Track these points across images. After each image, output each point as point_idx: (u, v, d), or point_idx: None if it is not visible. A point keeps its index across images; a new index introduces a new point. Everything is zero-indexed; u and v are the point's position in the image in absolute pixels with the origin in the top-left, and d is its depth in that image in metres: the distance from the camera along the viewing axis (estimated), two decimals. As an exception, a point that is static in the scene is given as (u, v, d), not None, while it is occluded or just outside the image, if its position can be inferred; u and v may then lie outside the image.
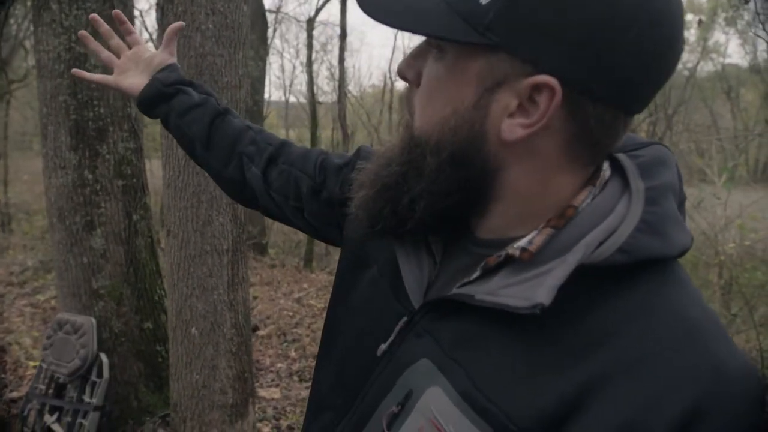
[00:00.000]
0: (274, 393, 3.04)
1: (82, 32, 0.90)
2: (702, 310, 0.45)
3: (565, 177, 0.48)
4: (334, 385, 0.61)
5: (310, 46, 7.15)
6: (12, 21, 9.51)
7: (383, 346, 0.54)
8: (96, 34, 0.86)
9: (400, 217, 0.51)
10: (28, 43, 8.70)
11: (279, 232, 7.49)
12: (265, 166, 0.80)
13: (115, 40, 0.88)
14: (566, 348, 0.44)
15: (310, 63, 7.21)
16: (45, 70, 2.23)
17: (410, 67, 0.51)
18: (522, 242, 0.47)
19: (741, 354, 0.43)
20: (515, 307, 0.44)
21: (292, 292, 5.04)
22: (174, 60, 0.88)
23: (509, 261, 0.47)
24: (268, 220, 7.15)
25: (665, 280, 0.45)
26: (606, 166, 0.50)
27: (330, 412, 0.60)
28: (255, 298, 4.71)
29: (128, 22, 0.88)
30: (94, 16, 0.87)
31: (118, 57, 0.88)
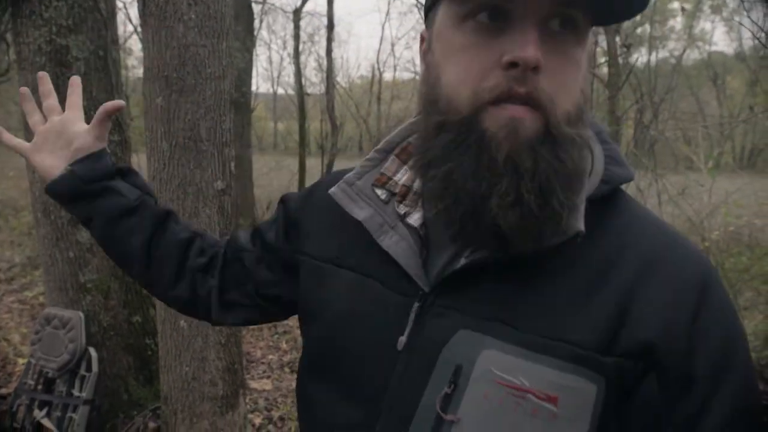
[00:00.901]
0: (266, 384, 3.06)
1: (23, 90, 0.78)
2: (657, 216, 0.57)
3: None
4: (347, 401, 0.58)
5: (297, 37, 7.11)
6: (-7, 14, 9.34)
7: (402, 339, 0.53)
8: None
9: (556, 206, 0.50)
10: (9, 37, 8.56)
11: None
12: (221, 276, 0.74)
13: (49, 101, 0.74)
14: (591, 271, 0.51)
15: (297, 54, 7.17)
16: (26, 62, 2.20)
17: (542, 55, 0.47)
18: None
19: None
20: (554, 245, 0.49)
21: (282, 285, 5.03)
22: (102, 146, 0.72)
23: None
24: (258, 213, 7.14)
25: (628, 200, 0.57)
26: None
27: (355, 430, 0.56)
28: (245, 290, 4.70)
29: (48, 84, 0.75)
30: (42, 74, 0.76)
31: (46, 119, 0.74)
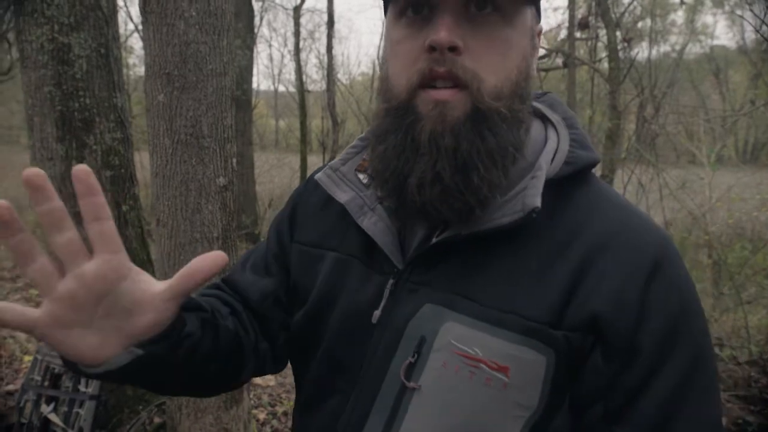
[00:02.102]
0: (269, 380, 3.07)
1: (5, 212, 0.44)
2: (624, 198, 0.59)
3: None
4: (330, 372, 0.61)
5: (297, 34, 7.11)
6: (-6, 14, 9.35)
7: (377, 313, 0.57)
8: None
9: (480, 181, 0.53)
10: (11, 36, 8.58)
11: (271, 222, 7.48)
12: (265, 335, 0.69)
13: (69, 236, 0.45)
14: (548, 248, 0.53)
15: (297, 51, 7.17)
16: (29, 61, 2.21)
17: (457, 36, 0.50)
18: None
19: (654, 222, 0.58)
20: (512, 222, 0.52)
21: (285, 281, 5.04)
22: (178, 312, 0.50)
23: None
24: (261, 210, 7.15)
25: (594, 182, 0.59)
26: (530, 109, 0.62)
27: (334, 398, 0.60)
28: (248, 287, 4.71)
29: (98, 195, 0.45)
30: (82, 169, 0.45)
31: (63, 268, 0.45)
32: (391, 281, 0.57)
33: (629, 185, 4.68)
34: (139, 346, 0.47)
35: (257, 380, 3.03)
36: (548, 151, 0.57)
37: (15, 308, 0.44)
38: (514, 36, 0.53)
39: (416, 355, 0.53)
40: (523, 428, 0.53)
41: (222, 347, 0.60)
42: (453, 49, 0.50)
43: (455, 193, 0.51)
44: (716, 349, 3.03)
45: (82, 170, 0.44)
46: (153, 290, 0.47)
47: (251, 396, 2.46)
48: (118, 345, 0.47)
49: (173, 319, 0.49)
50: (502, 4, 0.52)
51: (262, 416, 2.67)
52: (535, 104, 0.62)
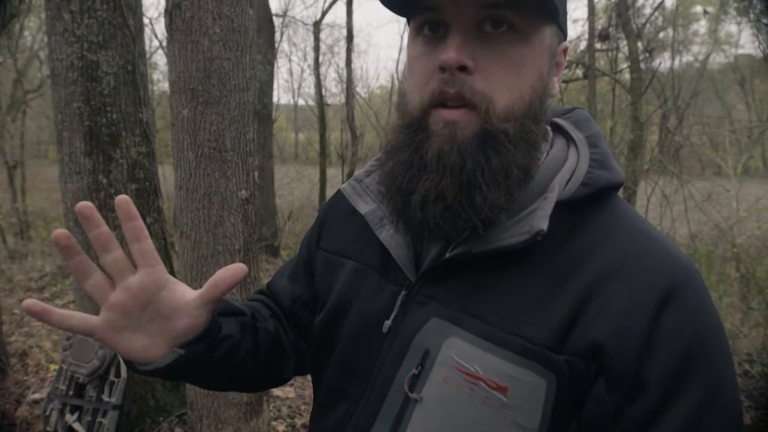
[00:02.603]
0: (289, 392, 3.08)
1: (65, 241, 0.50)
2: (648, 224, 0.56)
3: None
4: (343, 377, 0.63)
5: (317, 49, 7.20)
6: (27, 33, 9.70)
7: (387, 323, 0.58)
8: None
9: (478, 198, 0.52)
10: (42, 54, 8.87)
11: (291, 235, 7.54)
12: (295, 338, 0.74)
13: (115, 255, 0.52)
14: (559, 271, 0.52)
15: (317, 65, 7.26)
16: (59, 78, 2.28)
17: (466, 56, 0.51)
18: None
19: (680, 250, 0.54)
20: (518, 243, 0.51)
21: (304, 293, 5.06)
22: (211, 317, 0.57)
23: None
24: (280, 222, 7.21)
25: (617, 205, 0.57)
26: (548, 128, 0.60)
27: (344, 402, 0.62)
28: (268, 299, 4.74)
29: (137, 219, 0.52)
30: (123, 200, 0.51)
31: (113, 281, 0.53)
32: (403, 293, 0.59)
33: (653, 197, 4.61)
34: (181, 347, 0.55)
35: (277, 392, 3.03)
36: (565, 172, 0.56)
37: (79, 316, 0.53)
38: (529, 55, 0.53)
39: (420, 367, 0.55)
40: None
41: (263, 347, 0.67)
42: (463, 68, 0.50)
43: (458, 210, 0.51)
44: (746, 365, 2.94)
45: (123, 200, 0.51)
46: (186, 298, 0.54)
47: (271, 408, 2.46)
48: (164, 346, 0.55)
49: (208, 323, 0.57)
50: (517, 23, 0.51)
51: (281, 428, 2.67)
52: (560, 121, 0.61)
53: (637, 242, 0.52)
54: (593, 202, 0.55)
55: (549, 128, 0.60)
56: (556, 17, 0.54)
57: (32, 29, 9.57)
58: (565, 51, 0.58)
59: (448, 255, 0.56)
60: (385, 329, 0.58)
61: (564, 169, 0.56)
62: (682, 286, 0.50)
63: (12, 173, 7.73)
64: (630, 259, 0.51)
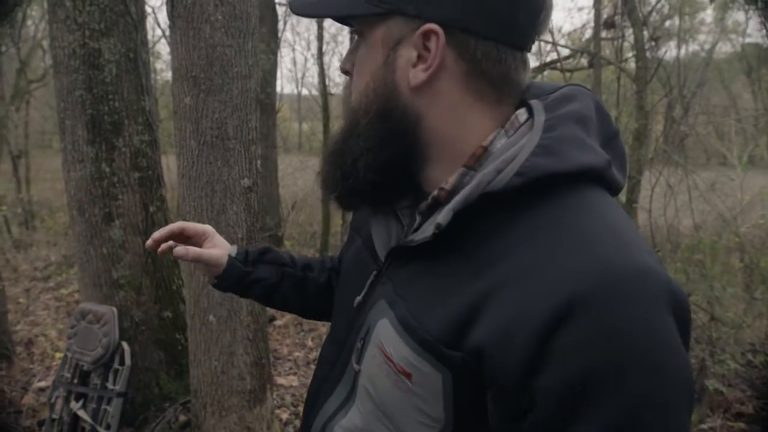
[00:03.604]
0: (292, 381, 3.09)
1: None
2: (603, 224, 0.47)
3: (477, 117, 0.55)
4: (330, 343, 0.71)
5: (320, 38, 7.15)
6: (30, 22, 9.67)
7: (358, 299, 0.64)
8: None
9: (349, 178, 0.58)
10: (45, 44, 8.85)
11: (295, 225, 7.55)
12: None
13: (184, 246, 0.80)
14: (472, 267, 0.51)
15: (321, 55, 7.21)
16: (61, 66, 2.28)
17: (348, 61, 0.61)
18: (442, 183, 0.54)
19: (642, 259, 0.45)
20: (428, 236, 0.52)
21: (308, 283, 5.08)
22: (228, 252, 0.82)
23: (437, 204, 0.55)
24: (284, 212, 7.22)
25: (564, 200, 0.49)
26: (522, 111, 0.56)
27: (326, 366, 0.69)
28: (272, 288, 4.76)
29: (175, 234, 0.80)
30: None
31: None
32: (374, 272, 0.63)
33: (657, 187, 4.58)
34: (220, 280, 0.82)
35: (281, 381, 3.05)
36: (499, 161, 0.50)
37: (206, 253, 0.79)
38: (365, 54, 0.57)
39: (362, 342, 0.60)
40: None
41: (309, 292, 0.87)
42: (347, 72, 0.61)
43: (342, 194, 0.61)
44: (749, 356, 2.94)
45: (153, 244, 0.80)
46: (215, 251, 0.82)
47: (274, 396, 2.48)
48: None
49: (224, 268, 0.80)
50: (360, 29, 0.58)
51: (284, 416, 2.69)
52: (534, 103, 0.55)
53: (557, 244, 0.46)
54: (536, 194, 0.49)
55: (522, 112, 0.55)
56: (390, 11, 0.54)
57: (35, 18, 9.54)
58: (425, 34, 0.52)
59: (393, 244, 0.61)
60: (355, 304, 0.64)
61: (501, 158, 0.51)
62: (594, 300, 0.42)
63: (16, 163, 7.74)
64: (538, 264, 0.46)
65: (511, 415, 0.47)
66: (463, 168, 0.54)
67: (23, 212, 7.41)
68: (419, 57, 0.53)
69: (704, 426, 2.49)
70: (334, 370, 0.67)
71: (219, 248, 0.81)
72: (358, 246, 0.71)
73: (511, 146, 0.52)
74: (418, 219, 0.57)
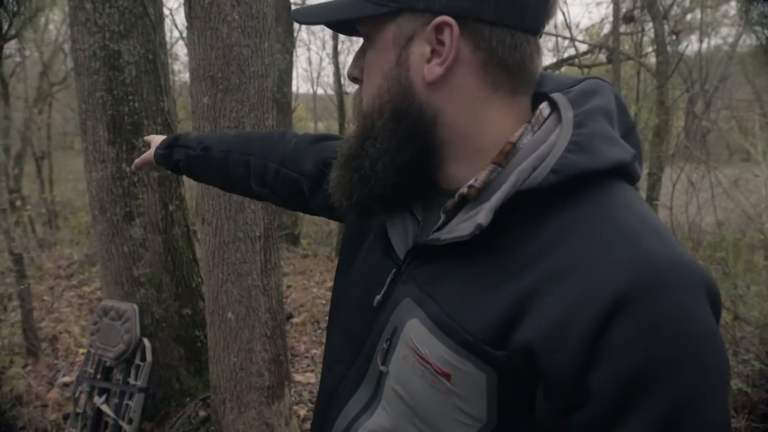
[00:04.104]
0: (310, 378, 3.11)
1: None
2: (638, 218, 0.48)
3: (494, 109, 0.54)
4: (343, 342, 0.68)
5: (336, 37, 7.18)
6: (51, 26, 9.86)
7: (378, 297, 0.61)
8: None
9: (369, 182, 0.56)
10: (67, 47, 9.02)
11: (311, 223, 7.59)
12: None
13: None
14: (511, 266, 0.50)
15: (336, 54, 7.24)
16: (82, 68, 2.32)
17: (355, 68, 0.60)
18: (471, 181, 0.53)
19: (680, 251, 0.46)
20: (466, 235, 0.51)
21: (324, 281, 5.11)
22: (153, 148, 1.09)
23: (464, 202, 0.53)
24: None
25: (599, 195, 0.49)
26: (545, 105, 0.55)
27: (340, 366, 0.67)
28: (289, 287, 4.80)
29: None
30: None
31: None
32: (393, 270, 0.61)
33: (678, 184, 4.50)
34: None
35: (298, 377, 3.07)
36: (534, 158, 0.50)
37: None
38: (374, 57, 0.57)
39: (389, 343, 0.58)
40: None
41: (218, 174, 1.00)
42: (355, 80, 0.60)
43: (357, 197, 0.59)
44: (774, 355, 2.87)
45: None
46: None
47: (292, 393, 2.50)
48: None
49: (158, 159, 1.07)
50: (367, 32, 0.57)
51: (302, 412, 2.71)
52: (557, 97, 0.54)
53: (601, 239, 0.46)
54: (572, 190, 0.49)
55: (544, 106, 0.55)
56: (398, 10, 0.53)
57: (57, 22, 9.73)
58: (438, 27, 0.52)
59: (419, 241, 0.59)
60: (375, 303, 0.61)
61: (534, 154, 0.50)
62: (644, 292, 0.43)
63: (40, 164, 7.91)
64: (585, 258, 0.46)
65: (560, 411, 0.47)
66: (493, 165, 0.52)
67: (47, 212, 7.57)
68: (433, 52, 0.53)
69: (727, 426, 2.43)
70: (352, 370, 0.64)
71: (152, 148, 1.07)
72: (369, 241, 0.68)
73: (541, 142, 0.52)
74: (443, 217, 0.55)
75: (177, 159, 1.02)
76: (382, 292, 0.61)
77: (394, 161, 0.55)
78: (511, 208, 0.50)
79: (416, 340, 0.54)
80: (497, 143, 0.53)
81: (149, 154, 1.07)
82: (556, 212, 0.49)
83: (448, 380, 0.51)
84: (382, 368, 0.58)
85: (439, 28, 0.51)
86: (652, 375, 0.42)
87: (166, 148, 1.04)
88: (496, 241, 0.51)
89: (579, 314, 0.44)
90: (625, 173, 0.52)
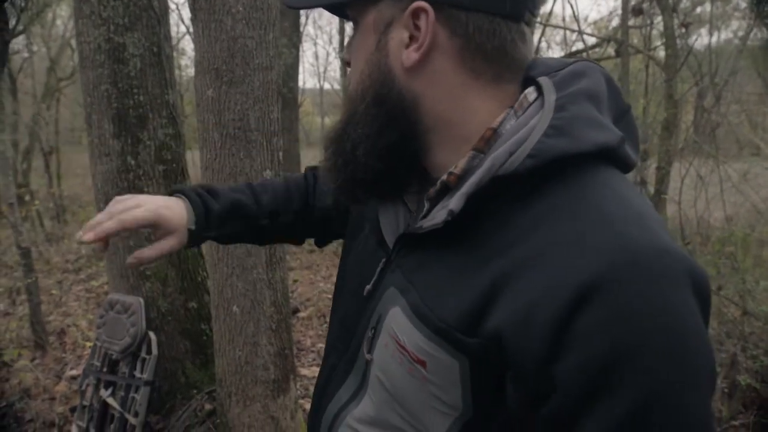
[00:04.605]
0: (315, 371, 3.11)
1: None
2: (619, 203, 0.46)
3: (476, 96, 0.53)
4: (339, 332, 0.69)
5: (342, 32, 7.16)
6: (58, 21, 9.90)
7: (368, 287, 0.62)
8: None
9: (349, 165, 0.57)
10: (74, 43, 9.05)
11: (317, 218, 7.58)
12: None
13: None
14: (487, 252, 0.49)
15: (342, 49, 7.21)
16: (87, 61, 2.32)
17: (348, 51, 0.61)
18: (451, 168, 0.52)
19: (662, 239, 0.43)
20: (439, 222, 0.51)
21: (330, 276, 5.11)
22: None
23: (446, 189, 0.53)
24: (306, 206, 7.24)
25: (580, 181, 0.48)
26: (531, 90, 0.53)
27: (334, 355, 0.68)
28: (295, 281, 4.81)
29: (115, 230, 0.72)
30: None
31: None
32: (383, 260, 0.61)
33: (687, 178, 4.46)
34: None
35: (304, 371, 3.08)
36: (510, 143, 0.49)
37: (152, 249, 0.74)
38: (359, 41, 0.57)
39: (373, 331, 0.59)
40: (452, 427, 0.52)
41: (275, 233, 0.87)
42: (348, 63, 0.60)
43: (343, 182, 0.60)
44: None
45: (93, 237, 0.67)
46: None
47: (297, 386, 2.50)
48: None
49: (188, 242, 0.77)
50: (354, 16, 0.58)
51: (308, 406, 2.71)
52: (543, 81, 0.53)
53: (576, 225, 0.44)
54: (552, 176, 0.48)
55: (530, 91, 0.53)
56: None
57: (64, 18, 9.76)
58: (414, 13, 0.51)
59: (402, 230, 0.60)
60: (365, 293, 0.62)
61: (512, 140, 0.49)
62: (617, 279, 0.41)
63: (48, 159, 7.96)
64: (557, 244, 0.44)
65: (530, 399, 0.45)
66: (473, 151, 0.52)
67: (55, 206, 7.62)
68: (411, 37, 0.53)
69: (735, 422, 2.42)
70: (343, 359, 0.66)
71: (173, 232, 0.74)
72: (365, 233, 0.68)
73: (521, 127, 0.50)
74: (426, 205, 0.55)
75: (215, 236, 0.82)
76: (372, 281, 0.61)
77: (375, 146, 0.55)
78: (492, 195, 0.49)
79: (396, 328, 0.54)
80: (480, 130, 0.53)
81: (169, 244, 0.75)
82: (535, 198, 0.48)
83: (424, 368, 0.51)
84: (368, 356, 0.59)
85: (416, 14, 0.51)
86: (621, 367, 0.40)
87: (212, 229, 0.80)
88: (475, 227, 0.51)
89: (546, 301, 0.43)
90: (613, 158, 0.50)
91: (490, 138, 0.52)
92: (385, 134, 0.55)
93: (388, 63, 0.54)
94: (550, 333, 0.42)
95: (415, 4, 0.51)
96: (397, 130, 0.55)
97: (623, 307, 0.40)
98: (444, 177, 0.52)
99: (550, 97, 0.50)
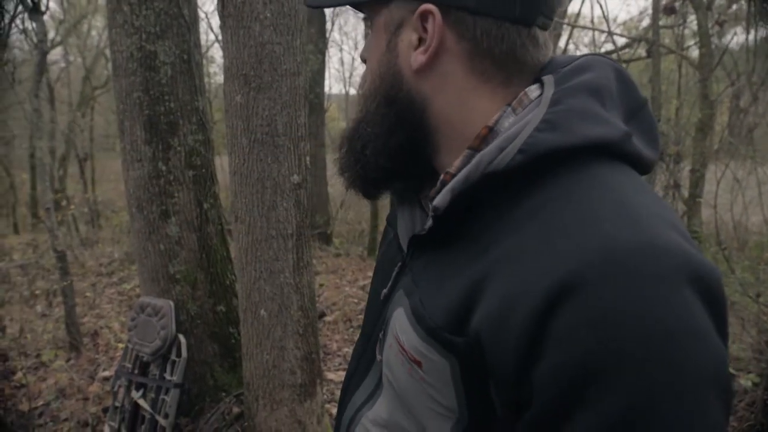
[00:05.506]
0: (342, 376, 3.12)
1: None
2: (611, 200, 0.43)
3: (485, 100, 0.53)
4: (362, 339, 0.70)
5: (367, 37, 7.19)
6: (93, 32, 10.22)
7: (384, 291, 0.63)
8: None
9: (360, 163, 0.57)
10: (108, 52, 9.33)
11: (343, 222, 7.63)
12: None
13: None
14: (474, 250, 0.49)
15: (368, 53, 7.25)
16: (120, 69, 2.37)
17: (364, 50, 0.61)
18: (448, 168, 0.51)
19: (657, 233, 0.40)
20: (430, 224, 0.51)
21: (356, 280, 5.12)
22: None
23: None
24: (333, 210, 7.30)
25: (575, 176, 0.45)
26: (534, 87, 0.52)
27: (355, 359, 0.70)
28: (321, 285, 4.82)
29: None
30: None
31: None
32: (399, 264, 0.62)
33: (723, 181, 4.32)
34: None
35: (330, 376, 3.08)
36: (501, 139, 0.47)
37: None
38: (372, 40, 0.57)
39: (383, 333, 0.60)
40: (452, 430, 0.51)
41: None
42: (364, 61, 0.60)
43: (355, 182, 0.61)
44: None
45: None
46: None
47: (324, 391, 2.50)
48: None
49: None
50: (367, 14, 0.58)
51: (334, 411, 2.71)
52: (545, 78, 0.52)
53: (561, 221, 0.42)
54: (545, 172, 0.46)
55: (533, 88, 0.52)
56: None
57: (98, 28, 10.07)
58: (422, 15, 0.51)
59: (413, 233, 0.60)
60: (382, 297, 0.63)
61: (503, 136, 0.47)
62: (596, 278, 0.38)
63: (83, 166, 8.20)
64: (538, 241, 0.43)
65: (513, 405, 0.43)
66: (468, 150, 0.51)
67: (89, 211, 7.84)
68: (420, 40, 0.53)
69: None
70: (361, 362, 0.67)
71: None
72: (390, 239, 0.70)
73: (517, 123, 0.49)
74: (430, 206, 0.53)
75: None
76: (389, 285, 0.62)
77: (385, 146, 0.56)
78: (483, 194, 0.49)
79: (398, 328, 0.55)
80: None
81: None
82: (526, 195, 0.47)
83: (420, 368, 0.51)
84: (378, 357, 0.61)
85: (424, 16, 0.52)
86: (595, 374, 0.37)
87: None
88: (469, 226, 0.51)
89: (521, 302, 0.41)
90: (617, 154, 0.47)
91: (486, 136, 0.51)
92: (394, 134, 0.55)
93: (397, 64, 0.55)
94: (523, 336, 0.40)
95: (423, 7, 0.51)
96: (406, 130, 0.55)
97: (603, 308, 0.37)
98: (443, 176, 0.52)
99: (548, 91, 0.49)
